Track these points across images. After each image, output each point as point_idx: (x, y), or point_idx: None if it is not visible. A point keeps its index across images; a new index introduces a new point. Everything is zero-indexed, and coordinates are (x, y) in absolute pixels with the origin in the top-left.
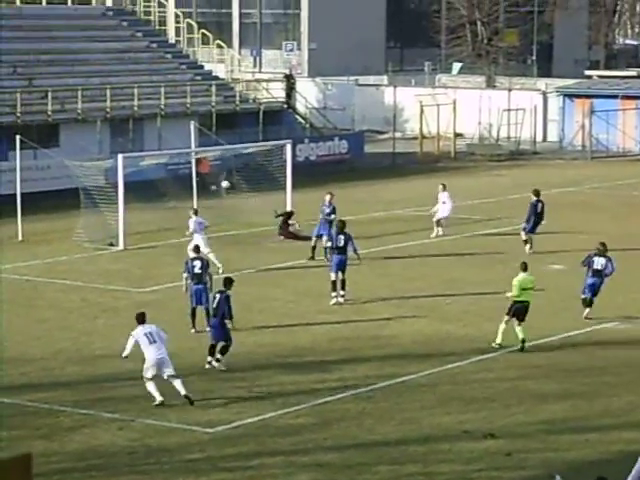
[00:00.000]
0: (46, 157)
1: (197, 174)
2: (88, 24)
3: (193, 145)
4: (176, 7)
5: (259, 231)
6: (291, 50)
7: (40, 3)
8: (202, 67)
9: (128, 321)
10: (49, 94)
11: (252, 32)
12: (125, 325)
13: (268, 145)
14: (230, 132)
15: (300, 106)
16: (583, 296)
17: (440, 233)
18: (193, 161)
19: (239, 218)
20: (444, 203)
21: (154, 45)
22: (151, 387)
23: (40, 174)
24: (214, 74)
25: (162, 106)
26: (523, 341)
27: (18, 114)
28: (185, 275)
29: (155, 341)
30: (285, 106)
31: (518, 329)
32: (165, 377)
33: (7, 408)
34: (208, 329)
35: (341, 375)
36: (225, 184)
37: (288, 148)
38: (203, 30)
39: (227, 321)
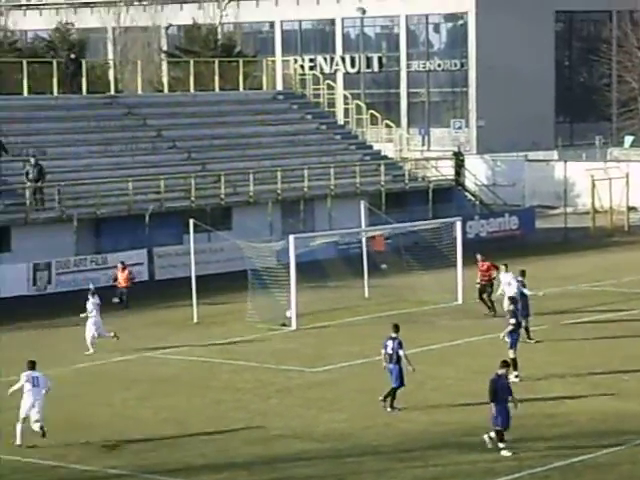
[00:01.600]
0: (219, 240)
1: (370, 252)
2: (259, 108)
3: (363, 224)
4: (345, 89)
5: (430, 309)
6: (459, 128)
7: (213, 90)
8: (371, 147)
9: (302, 401)
10: (222, 178)
11: (420, 111)
12: (299, 405)
13: (438, 223)
14: (400, 211)
15: (469, 183)
16: None
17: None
18: (364, 240)
19: (410, 296)
20: (509, 284)
21: (323, 127)
22: (18, 428)
23: (214, 256)
24: (383, 153)
25: (332, 186)
26: None
27: (192, 198)
28: (382, 352)
29: (37, 385)
30: (454, 183)
31: None
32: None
33: None
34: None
35: (516, 454)
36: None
37: (458, 225)
38: (371, 110)
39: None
